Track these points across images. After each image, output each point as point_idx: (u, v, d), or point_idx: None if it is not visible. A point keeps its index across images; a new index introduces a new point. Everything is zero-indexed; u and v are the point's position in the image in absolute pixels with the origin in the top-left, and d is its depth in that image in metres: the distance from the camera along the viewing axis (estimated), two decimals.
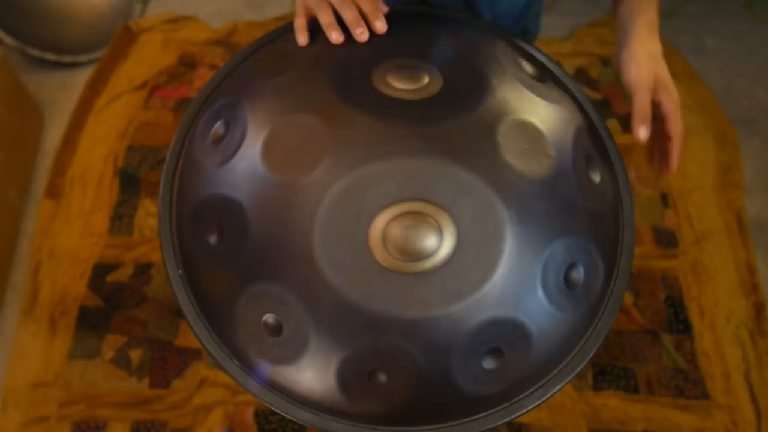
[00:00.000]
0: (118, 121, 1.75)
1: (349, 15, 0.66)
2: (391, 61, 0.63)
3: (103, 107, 1.78)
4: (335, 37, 0.66)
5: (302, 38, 0.68)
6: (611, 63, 1.87)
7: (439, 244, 0.56)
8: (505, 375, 0.60)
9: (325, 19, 0.67)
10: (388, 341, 0.56)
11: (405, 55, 0.65)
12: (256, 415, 1.30)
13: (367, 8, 0.66)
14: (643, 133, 0.66)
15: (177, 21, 1.98)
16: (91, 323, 1.42)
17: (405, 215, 0.56)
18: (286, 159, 0.59)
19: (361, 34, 0.65)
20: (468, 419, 0.59)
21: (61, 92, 1.83)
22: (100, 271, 1.50)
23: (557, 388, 0.61)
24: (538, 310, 0.59)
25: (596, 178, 0.66)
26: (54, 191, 1.61)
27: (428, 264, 0.56)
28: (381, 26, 0.66)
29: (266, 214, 0.58)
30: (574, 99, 0.71)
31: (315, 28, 0.69)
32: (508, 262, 0.57)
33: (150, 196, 1.62)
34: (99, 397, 1.33)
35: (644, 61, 0.67)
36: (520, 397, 0.60)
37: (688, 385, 1.34)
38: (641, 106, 0.66)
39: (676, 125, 0.68)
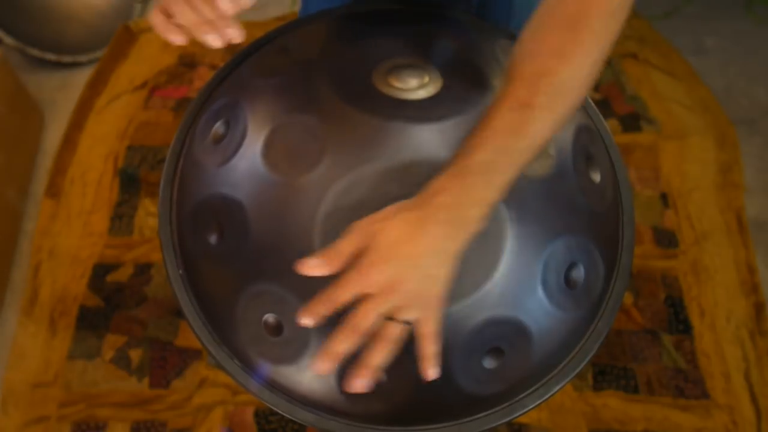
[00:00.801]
0: (118, 121, 1.75)
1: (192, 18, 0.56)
2: (391, 61, 0.63)
3: (103, 107, 1.78)
4: (211, 39, 0.57)
5: (175, 36, 0.56)
6: (611, 63, 1.87)
7: None
8: (505, 374, 0.60)
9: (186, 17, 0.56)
10: None
11: (405, 55, 0.65)
12: (256, 415, 1.30)
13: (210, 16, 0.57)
14: (312, 262, 0.49)
15: None
16: (91, 323, 1.42)
17: None
18: (287, 158, 0.59)
19: (214, 41, 0.56)
20: (468, 419, 0.59)
21: (61, 92, 1.83)
22: (100, 271, 1.50)
23: (557, 388, 0.61)
24: (539, 309, 0.59)
25: (596, 177, 0.66)
26: (54, 191, 1.61)
27: None
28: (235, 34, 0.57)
29: (266, 214, 0.58)
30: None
31: (315, 30, 0.69)
32: (508, 261, 0.57)
33: (150, 196, 1.62)
34: (99, 397, 1.33)
35: (382, 213, 0.51)
36: (520, 396, 0.60)
37: (688, 385, 1.34)
38: (335, 243, 0.50)
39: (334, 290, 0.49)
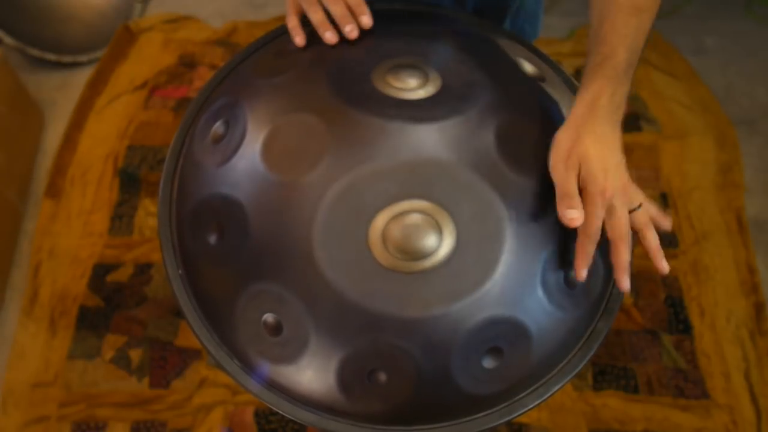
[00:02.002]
0: (118, 121, 1.75)
1: (337, 10, 0.65)
2: (390, 61, 0.63)
3: (103, 107, 1.78)
4: (328, 36, 0.65)
5: (299, 38, 0.67)
6: None
7: (439, 243, 0.56)
8: (504, 374, 0.60)
9: (316, 17, 0.66)
10: (387, 340, 0.56)
11: (405, 55, 0.65)
12: (256, 415, 1.30)
13: (352, 2, 0.65)
14: (572, 213, 0.56)
15: (177, 21, 1.98)
16: (91, 323, 1.42)
17: (405, 214, 0.56)
18: (286, 158, 0.59)
19: (351, 32, 0.65)
20: (468, 418, 0.59)
21: (61, 92, 1.83)
22: (100, 271, 1.50)
23: (557, 388, 0.61)
24: (538, 309, 0.59)
25: None
26: (54, 191, 1.61)
27: (428, 263, 0.56)
28: (367, 21, 0.65)
29: (266, 214, 0.58)
30: (574, 99, 0.71)
31: (315, 30, 0.69)
32: (507, 261, 0.57)
33: (150, 196, 1.62)
34: (99, 397, 1.33)
35: (563, 144, 0.58)
36: (520, 396, 0.60)
37: (688, 385, 1.34)
38: (560, 187, 0.57)
39: (589, 222, 0.57)
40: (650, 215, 0.60)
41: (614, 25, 0.60)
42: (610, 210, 0.57)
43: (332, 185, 0.56)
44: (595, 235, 0.57)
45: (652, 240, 0.59)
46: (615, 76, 0.59)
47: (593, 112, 0.58)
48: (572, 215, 0.56)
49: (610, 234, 0.58)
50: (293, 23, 0.68)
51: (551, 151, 0.59)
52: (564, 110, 0.67)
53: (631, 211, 0.58)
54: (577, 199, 0.57)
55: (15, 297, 1.47)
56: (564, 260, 0.60)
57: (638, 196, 0.59)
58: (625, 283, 0.58)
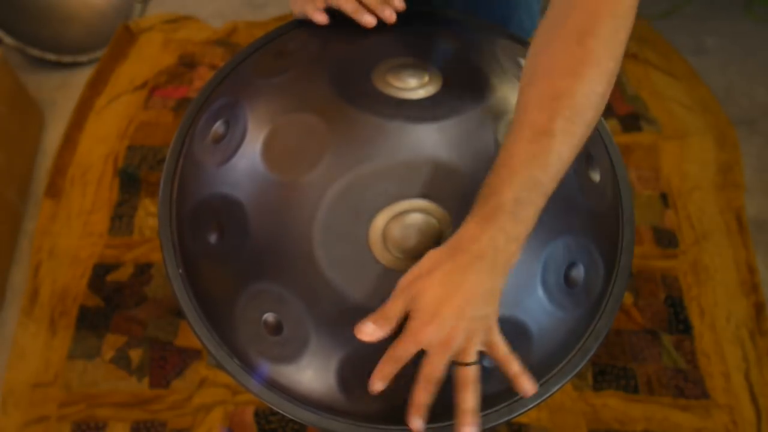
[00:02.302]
0: (118, 121, 1.75)
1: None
2: (391, 61, 0.63)
3: (103, 107, 1.78)
4: (368, 20, 0.65)
5: (321, 16, 0.67)
6: None
7: (440, 243, 0.56)
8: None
9: (349, 4, 0.66)
10: (388, 340, 0.56)
11: (405, 55, 0.65)
12: (256, 415, 1.30)
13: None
14: (366, 328, 0.52)
15: (177, 21, 1.98)
16: (91, 323, 1.42)
17: (405, 214, 0.56)
18: (286, 158, 0.59)
19: (390, 16, 0.65)
20: None
21: (61, 92, 1.83)
22: (100, 270, 1.50)
23: (557, 388, 0.61)
24: (538, 309, 0.59)
25: (596, 177, 0.66)
26: (54, 191, 1.61)
27: None
28: (400, 4, 0.66)
29: (266, 213, 0.58)
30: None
31: (315, 30, 0.69)
32: None
33: (150, 196, 1.62)
34: (99, 397, 1.33)
35: (417, 269, 0.52)
36: (520, 396, 0.60)
37: (688, 385, 1.34)
38: (383, 307, 0.52)
39: (391, 352, 0.52)
40: (495, 359, 0.54)
41: (509, 152, 0.52)
42: (426, 353, 0.52)
43: (332, 185, 0.56)
44: (395, 365, 0.52)
45: (467, 401, 0.52)
46: (497, 217, 0.50)
47: (456, 254, 0.51)
48: (367, 329, 0.52)
49: (420, 370, 0.52)
50: (311, 7, 0.67)
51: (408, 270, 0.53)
52: None
53: (459, 364, 0.52)
54: (384, 322, 0.52)
55: (15, 297, 1.47)
56: (564, 260, 0.60)
57: (474, 352, 0.52)
58: (414, 422, 0.53)
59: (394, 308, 0.52)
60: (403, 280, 0.53)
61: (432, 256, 0.52)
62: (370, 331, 0.52)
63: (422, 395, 0.52)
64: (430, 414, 0.54)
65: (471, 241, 0.51)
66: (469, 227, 0.51)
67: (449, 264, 0.51)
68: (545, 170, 0.51)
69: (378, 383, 0.53)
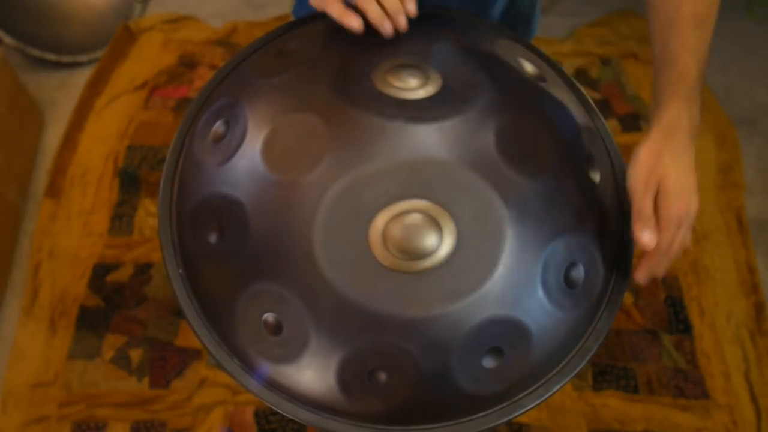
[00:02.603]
0: (118, 121, 1.75)
1: (392, 4, 0.64)
2: (391, 61, 0.63)
3: (103, 107, 1.78)
4: (388, 28, 0.63)
5: (355, 21, 0.63)
6: (611, 63, 1.86)
7: (439, 243, 0.56)
8: (504, 374, 0.60)
9: (374, 11, 0.63)
10: (388, 340, 0.56)
11: (405, 55, 0.65)
12: (256, 415, 1.30)
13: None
14: (646, 236, 0.58)
15: (177, 21, 1.98)
16: (91, 323, 1.42)
17: (405, 214, 0.56)
18: (287, 158, 0.59)
19: (402, 24, 0.64)
20: (468, 418, 0.59)
21: (61, 92, 1.83)
22: (100, 271, 1.50)
23: (557, 388, 0.61)
24: (538, 309, 0.59)
25: (596, 177, 0.66)
26: (54, 191, 1.61)
27: (428, 263, 0.56)
28: (412, 8, 0.64)
29: (266, 213, 0.58)
30: (574, 99, 0.71)
31: (315, 30, 0.69)
32: (508, 261, 0.57)
33: (150, 196, 1.62)
34: (99, 397, 1.33)
35: (645, 163, 0.59)
36: (520, 396, 0.60)
37: (688, 385, 1.34)
38: (637, 207, 0.59)
39: (663, 239, 0.58)
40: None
41: (684, 41, 0.61)
42: (677, 230, 0.58)
43: (332, 185, 0.56)
44: (668, 254, 0.58)
45: (672, 257, 0.60)
46: (691, 96, 0.60)
47: (674, 133, 0.59)
48: (646, 238, 0.58)
49: (659, 248, 0.59)
50: (338, 8, 0.64)
51: (631, 167, 0.60)
52: (565, 110, 0.67)
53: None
54: (653, 221, 0.58)
55: (15, 297, 1.47)
56: (564, 260, 0.60)
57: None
58: (640, 275, 0.60)
59: (647, 204, 0.58)
60: (641, 171, 0.58)
61: (649, 146, 0.59)
62: (648, 238, 0.57)
63: (661, 265, 0.59)
64: (429, 416, 0.54)
65: (678, 120, 0.59)
66: (671, 108, 0.59)
67: (671, 145, 0.58)
68: (708, 49, 0.63)
69: (643, 278, 0.59)
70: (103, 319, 1.43)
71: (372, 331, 0.56)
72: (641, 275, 0.60)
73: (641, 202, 0.58)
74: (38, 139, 1.72)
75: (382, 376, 0.58)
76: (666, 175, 0.58)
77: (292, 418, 0.60)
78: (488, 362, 0.59)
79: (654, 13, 0.64)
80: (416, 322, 0.56)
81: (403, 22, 0.64)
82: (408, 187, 0.57)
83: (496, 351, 0.59)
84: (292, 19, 0.75)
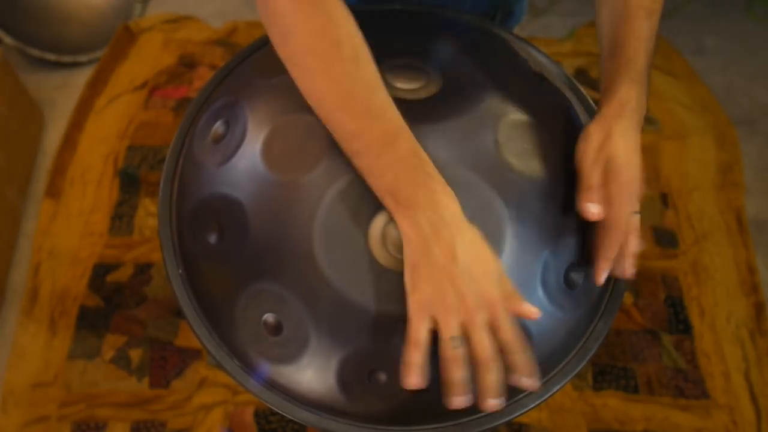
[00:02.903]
0: (118, 121, 1.75)
1: (492, 379, 0.51)
2: (390, 61, 0.63)
3: (103, 107, 1.78)
4: (458, 402, 0.51)
5: (416, 379, 0.51)
6: None
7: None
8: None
9: (457, 373, 0.51)
10: (387, 340, 0.56)
11: (405, 55, 0.65)
12: (256, 415, 1.30)
13: (520, 363, 0.52)
14: (593, 208, 0.57)
15: (177, 21, 1.98)
16: (91, 323, 1.42)
17: None
18: (287, 158, 0.59)
19: (494, 406, 0.52)
20: (468, 419, 0.59)
21: (61, 92, 1.83)
22: (100, 271, 1.50)
23: (557, 388, 0.61)
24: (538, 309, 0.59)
25: None
26: (54, 191, 1.61)
27: None
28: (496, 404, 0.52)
29: (266, 213, 0.58)
30: (574, 99, 0.71)
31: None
32: (507, 261, 0.57)
33: (150, 196, 1.62)
34: (99, 397, 1.33)
35: (594, 138, 0.59)
36: (520, 396, 0.60)
37: (688, 385, 1.34)
38: (584, 180, 0.58)
39: (612, 212, 0.57)
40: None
41: (632, 30, 0.63)
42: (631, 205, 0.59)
43: (332, 185, 0.56)
44: (623, 231, 0.58)
45: (634, 247, 0.60)
46: (639, 79, 0.62)
47: (623, 113, 0.60)
48: (594, 209, 0.58)
49: (610, 226, 0.59)
50: (416, 358, 0.52)
51: (580, 143, 0.60)
52: (564, 110, 0.67)
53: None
54: (600, 194, 0.58)
55: (15, 297, 1.47)
56: (564, 260, 0.60)
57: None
58: (600, 276, 0.60)
59: (595, 176, 0.58)
60: (590, 145, 0.59)
61: (599, 123, 0.60)
62: (596, 210, 0.57)
63: (625, 259, 0.60)
64: (429, 416, 0.54)
65: (627, 101, 0.60)
66: (621, 90, 0.61)
67: (620, 123, 0.60)
68: (654, 41, 0.64)
69: (604, 270, 0.59)
70: (103, 319, 1.43)
71: (372, 331, 0.56)
72: (603, 270, 0.59)
73: (589, 175, 0.58)
74: (38, 139, 1.72)
75: (382, 376, 0.58)
76: (614, 151, 0.58)
77: (292, 418, 0.60)
78: None
79: (603, 5, 0.66)
80: None
81: (493, 404, 0.52)
82: None
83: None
84: None
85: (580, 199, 0.58)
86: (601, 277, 0.59)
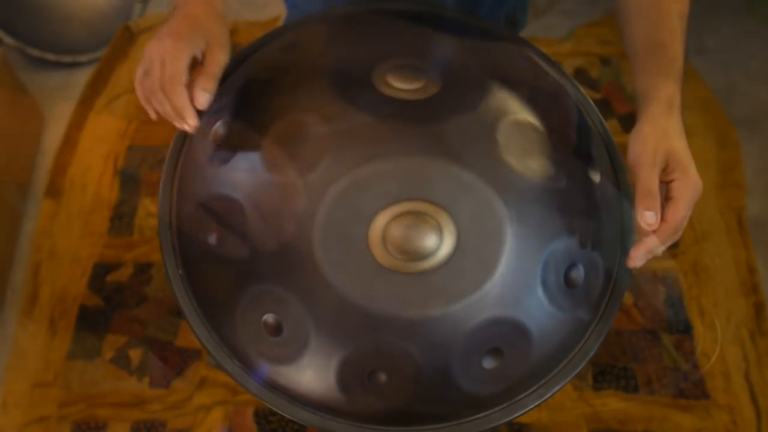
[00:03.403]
0: (118, 121, 1.75)
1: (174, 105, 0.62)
2: (391, 61, 0.63)
3: (103, 107, 1.78)
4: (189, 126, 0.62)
5: (152, 112, 0.66)
6: (611, 63, 1.86)
7: (439, 243, 0.56)
8: (505, 375, 0.60)
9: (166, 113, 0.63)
10: (388, 341, 0.56)
11: (405, 55, 0.65)
12: (256, 415, 1.30)
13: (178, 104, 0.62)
14: (651, 217, 0.55)
15: None
16: (91, 323, 1.42)
17: (405, 215, 0.56)
18: (287, 158, 0.59)
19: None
20: (468, 419, 0.59)
21: (61, 92, 1.83)
22: (100, 271, 1.50)
23: (557, 388, 0.61)
24: (538, 309, 0.59)
25: (596, 177, 0.66)
26: (54, 191, 1.61)
27: (428, 264, 0.56)
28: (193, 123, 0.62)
29: (266, 214, 0.58)
30: (574, 99, 0.71)
31: (315, 30, 0.68)
32: (508, 261, 0.57)
33: (150, 196, 1.62)
34: (99, 397, 1.33)
35: (651, 138, 0.58)
36: (520, 396, 0.60)
37: (688, 385, 1.34)
38: (643, 184, 0.56)
39: (675, 218, 0.56)
40: None
41: (672, 30, 0.64)
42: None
43: (332, 185, 0.56)
44: (674, 237, 0.57)
45: (665, 246, 0.59)
46: (680, 79, 0.62)
47: (672, 112, 0.60)
48: (650, 220, 0.56)
49: (667, 222, 0.57)
50: (142, 96, 0.67)
51: (635, 145, 0.59)
52: (564, 110, 0.67)
53: None
54: (658, 200, 0.56)
55: (15, 297, 1.47)
56: (564, 260, 0.60)
57: None
58: (634, 261, 0.59)
59: (653, 181, 0.56)
60: (646, 148, 0.57)
61: (653, 122, 0.59)
62: (652, 220, 0.56)
63: (664, 246, 0.58)
64: (429, 416, 0.54)
65: (674, 97, 0.61)
66: (668, 89, 0.61)
67: (671, 120, 0.60)
68: (686, 41, 0.65)
69: (640, 261, 0.58)
70: (103, 319, 1.42)
71: (372, 331, 0.56)
72: (638, 257, 0.58)
73: (647, 179, 0.56)
74: (38, 139, 1.72)
75: (382, 377, 0.58)
76: (676, 150, 0.57)
77: (292, 418, 0.60)
78: (488, 363, 0.59)
79: (628, 6, 0.67)
80: (416, 323, 0.56)
81: (191, 123, 0.62)
82: (408, 187, 0.57)
83: (497, 351, 0.59)
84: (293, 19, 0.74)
85: (638, 204, 0.56)
86: (636, 262, 0.59)
